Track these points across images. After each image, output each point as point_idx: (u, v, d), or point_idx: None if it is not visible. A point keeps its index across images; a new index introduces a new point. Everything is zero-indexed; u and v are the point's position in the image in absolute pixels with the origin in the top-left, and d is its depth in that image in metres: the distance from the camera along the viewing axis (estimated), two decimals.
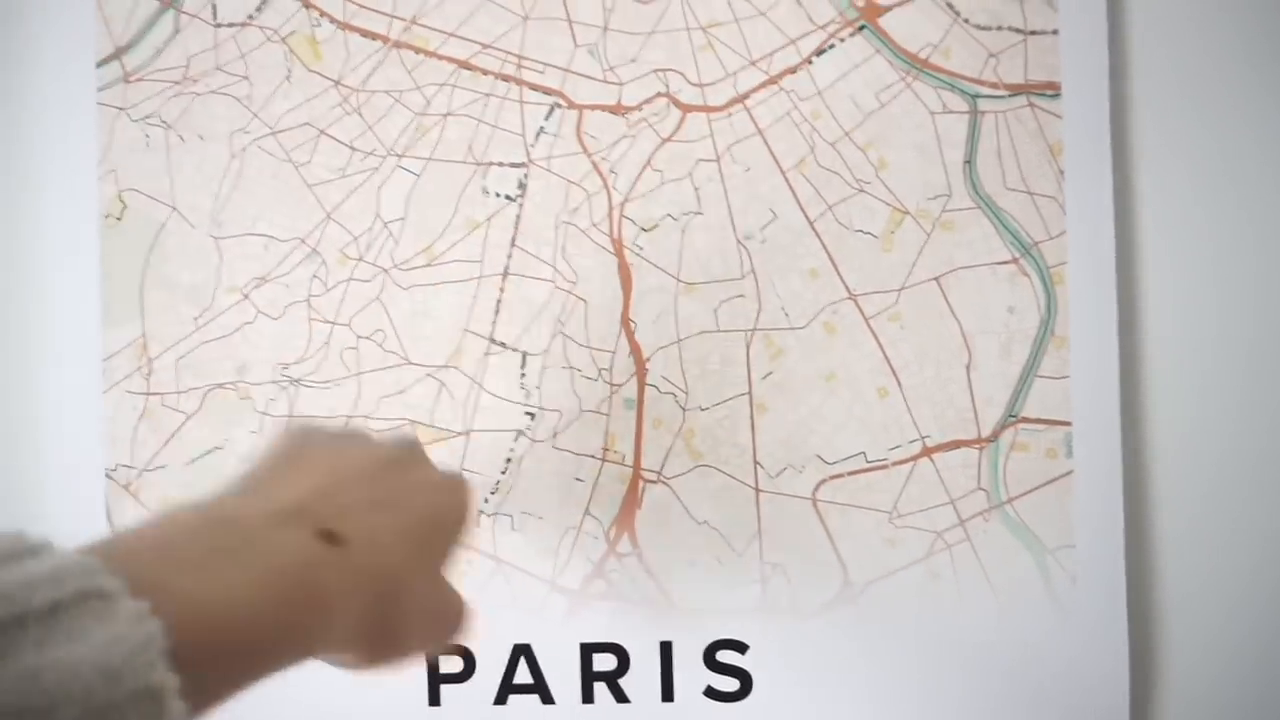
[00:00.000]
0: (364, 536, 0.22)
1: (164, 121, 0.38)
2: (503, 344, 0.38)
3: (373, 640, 0.23)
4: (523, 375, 0.38)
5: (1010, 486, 0.37)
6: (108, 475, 0.38)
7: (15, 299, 0.39)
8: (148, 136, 0.38)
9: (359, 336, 0.38)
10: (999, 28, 0.37)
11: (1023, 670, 0.37)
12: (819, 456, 0.37)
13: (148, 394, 0.38)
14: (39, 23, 0.39)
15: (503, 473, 0.38)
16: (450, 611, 0.27)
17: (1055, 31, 0.37)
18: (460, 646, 0.38)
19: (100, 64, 0.38)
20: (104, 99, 0.38)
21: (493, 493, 0.38)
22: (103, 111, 0.38)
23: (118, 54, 0.38)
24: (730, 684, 0.38)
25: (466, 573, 0.38)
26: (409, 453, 0.27)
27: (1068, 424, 0.37)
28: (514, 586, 0.38)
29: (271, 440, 0.26)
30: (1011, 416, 0.37)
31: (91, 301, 0.38)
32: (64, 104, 0.39)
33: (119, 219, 0.38)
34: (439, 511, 0.26)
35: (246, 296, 0.38)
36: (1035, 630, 0.37)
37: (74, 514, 0.38)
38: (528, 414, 0.38)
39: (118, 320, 0.38)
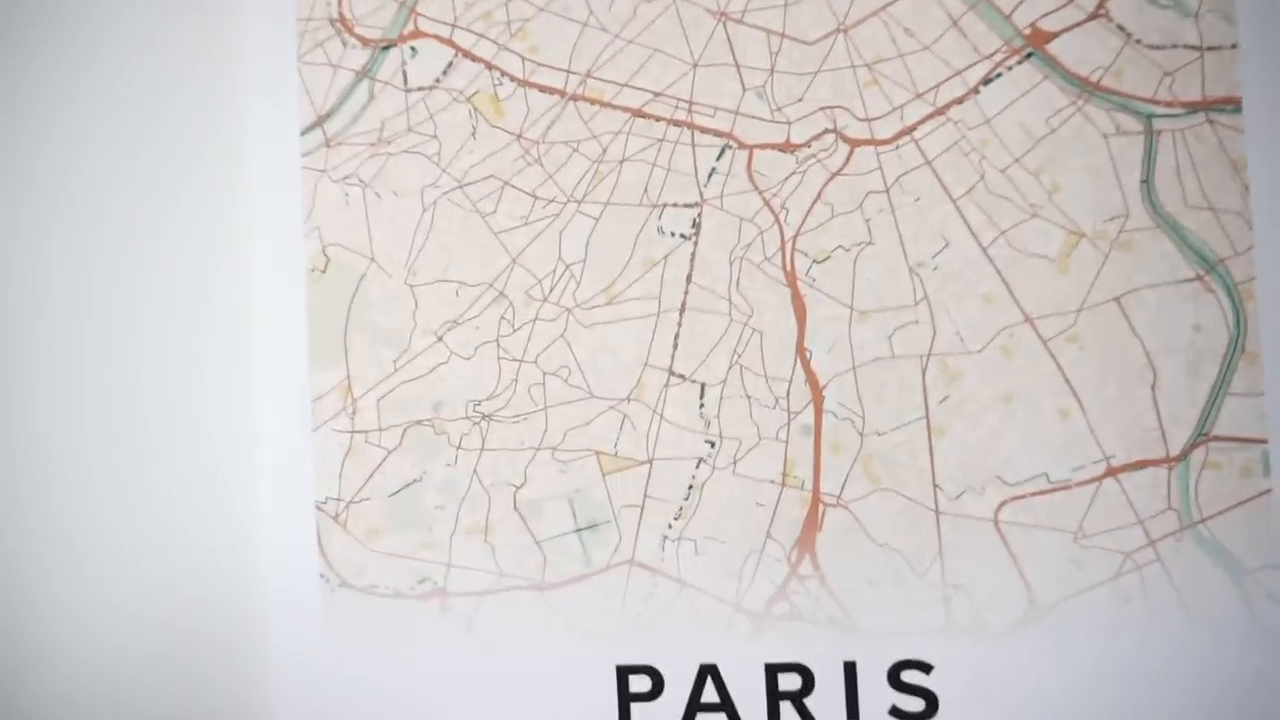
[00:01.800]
0: None
1: (361, 180, 0.42)
2: (682, 376, 0.40)
3: None
4: (701, 405, 0.40)
5: (1203, 506, 0.37)
6: (318, 507, 0.41)
7: (233, 348, 0.43)
8: (347, 195, 0.42)
9: (545, 373, 0.40)
10: (1174, 46, 0.37)
11: (1221, 695, 0.37)
12: (999, 478, 0.38)
13: (352, 432, 0.41)
14: (249, 96, 0.43)
15: (685, 499, 0.40)
16: None
17: (1234, 46, 0.36)
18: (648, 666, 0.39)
19: (304, 131, 0.42)
20: (307, 163, 0.42)
21: (676, 518, 0.40)
22: (306, 174, 0.42)
23: (319, 122, 0.42)
24: (916, 704, 0.38)
25: (653, 595, 0.40)
26: None
27: (1264, 441, 0.36)
28: (699, 609, 0.39)
29: None
30: (1202, 435, 0.37)
31: (300, 348, 0.42)
32: (272, 169, 0.43)
33: (323, 272, 0.42)
34: None
35: (440, 339, 0.41)
36: (1235, 654, 0.36)
37: (288, 543, 0.42)
38: (708, 442, 0.40)
39: (324, 364, 0.42)
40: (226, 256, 0.44)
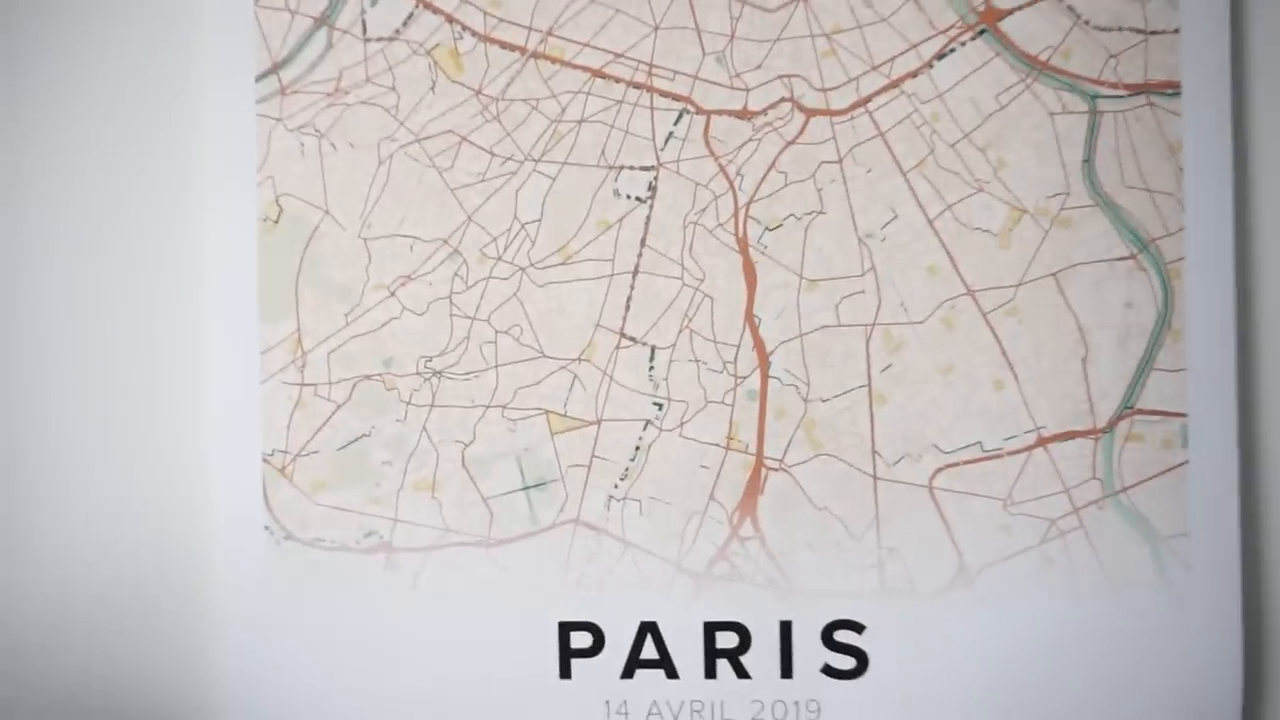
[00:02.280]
0: None
1: (317, 131, 0.41)
2: (633, 338, 0.40)
3: None
4: (651, 368, 0.40)
5: (1125, 476, 0.38)
6: (265, 460, 0.41)
7: (179, 297, 0.43)
8: (302, 145, 0.41)
9: (497, 331, 0.41)
10: (1119, 28, 0.38)
11: (1136, 655, 0.38)
12: (936, 446, 0.39)
13: (302, 385, 0.41)
14: (203, 40, 0.42)
15: (631, 460, 0.40)
16: None
17: (1176, 31, 0.38)
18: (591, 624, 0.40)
19: (259, 78, 0.41)
20: (262, 110, 0.41)
21: (622, 478, 0.40)
22: (261, 122, 0.42)
23: (275, 68, 0.41)
24: (847, 662, 0.39)
25: (597, 553, 0.40)
26: None
27: (1183, 415, 0.38)
28: (642, 568, 0.40)
29: None
30: (1127, 408, 0.38)
31: (249, 299, 0.42)
32: (225, 115, 0.42)
33: (275, 222, 0.42)
34: None
35: (393, 294, 0.41)
36: (1149, 616, 0.38)
37: (234, 495, 0.42)
38: (656, 404, 0.40)
39: (274, 316, 0.41)
40: (177, 203, 0.43)
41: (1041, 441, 0.39)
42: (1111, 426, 0.38)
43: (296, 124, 0.41)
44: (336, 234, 0.41)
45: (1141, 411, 0.38)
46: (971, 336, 0.39)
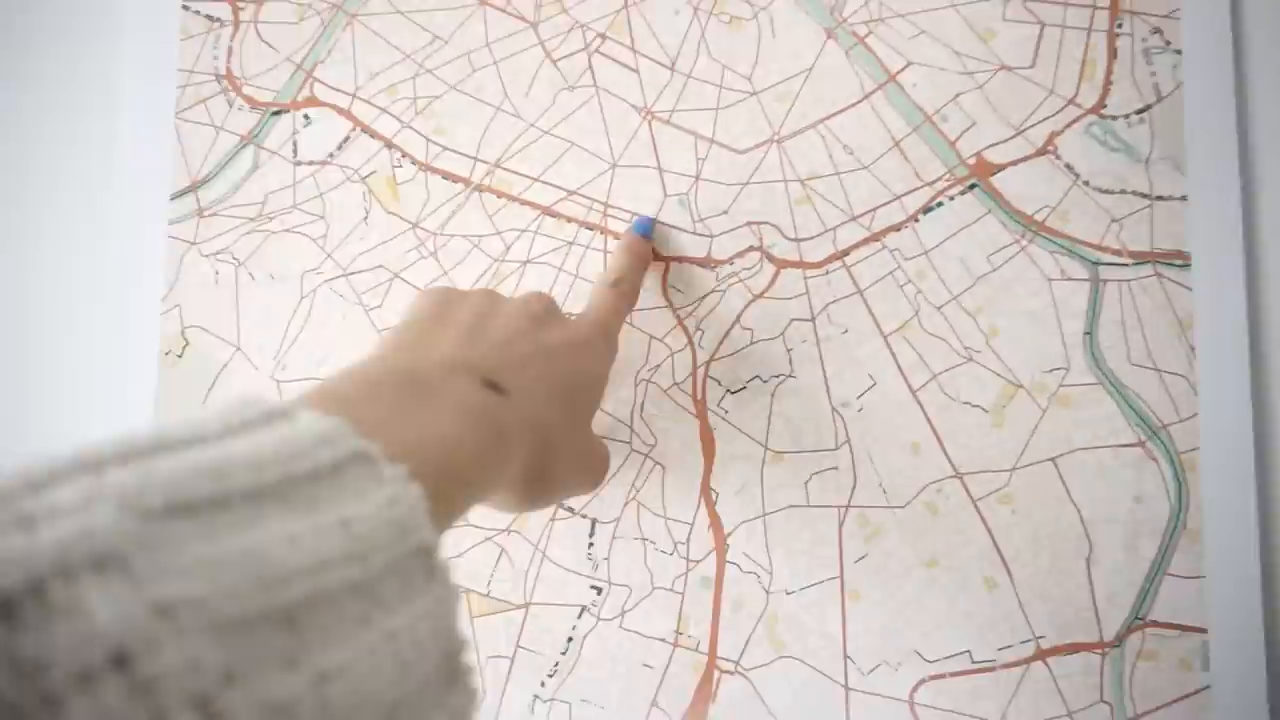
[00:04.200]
0: (521, 389, 0.24)
1: (235, 258, 0.37)
2: (570, 509, 0.35)
3: (530, 483, 0.25)
4: (591, 544, 0.35)
5: (1138, 701, 0.33)
6: None
7: (71, 436, 0.38)
8: (217, 273, 0.37)
9: None
10: (1122, 191, 0.34)
11: None
12: (917, 653, 0.34)
13: None
14: (117, 149, 0.38)
15: (562, 653, 0.35)
16: (595, 460, 0.29)
17: (1184, 198, 0.34)
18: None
19: (175, 196, 0.38)
20: (175, 232, 0.37)
21: (550, 675, 0.35)
22: (172, 245, 0.37)
23: (194, 187, 0.38)
24: None
25: None
26: (546, 310, 0.29)
27: (1203, 631, 0.33)
28: None
29: (411, 303, 0.27)
30: (1138, 619, 0.33)
31: None
32: (133, 234, 0.38)
33: (180, 356, 0.37)
34: (580, 368, 0.28)
35: None
36: None
37: None
38: (594, 588, 0.35)
39: None
40: (72, 326, 0.38)
41: (1041, 654, 0.33)
42: (1121, 640, 0.33)
43: (213, 249, 0.37)
44: (248, 373, 0.37)
45: (1155, 624, 0.33)
46: (959, 526, 0.34)
